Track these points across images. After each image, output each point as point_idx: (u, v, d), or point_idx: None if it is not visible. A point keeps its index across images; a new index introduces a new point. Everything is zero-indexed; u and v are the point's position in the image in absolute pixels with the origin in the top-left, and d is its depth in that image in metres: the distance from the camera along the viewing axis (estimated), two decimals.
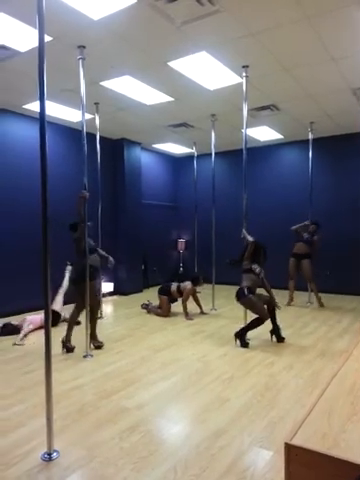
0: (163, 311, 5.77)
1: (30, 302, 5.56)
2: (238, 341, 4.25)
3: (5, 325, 4.83)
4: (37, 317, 4.96)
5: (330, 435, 1.40)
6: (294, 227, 6.37)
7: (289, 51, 3.94)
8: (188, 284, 5.73)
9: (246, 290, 4.22)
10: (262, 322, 4.22)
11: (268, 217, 7.96)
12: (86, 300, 4.00)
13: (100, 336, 4.31)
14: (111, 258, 4.76)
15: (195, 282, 5.73)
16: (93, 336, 4.21)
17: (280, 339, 4.37)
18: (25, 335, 4.62)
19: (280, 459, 1.89)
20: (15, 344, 4.38)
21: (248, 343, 4.24)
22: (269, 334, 4.40)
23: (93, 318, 4.23)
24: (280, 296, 6.39)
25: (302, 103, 5.51)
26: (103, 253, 4.71)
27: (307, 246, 6.23)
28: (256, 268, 4.30)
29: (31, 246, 5.71)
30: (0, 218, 5.65)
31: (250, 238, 4.42)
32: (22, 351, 4.13)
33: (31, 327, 4.81)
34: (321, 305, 6.18)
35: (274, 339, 4.38)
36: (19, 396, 3.01)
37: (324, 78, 4.62)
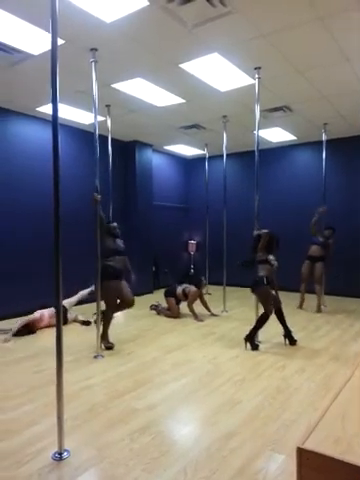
0: (173, 312, 5.77)
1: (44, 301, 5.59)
2: (248, 344, 4.22)
3: (22, 327, 4.80)
4: (45, 312, 5.11)
5: (344, 439, 1.38)
6: (313, 220, 6.14)
7: (302, 52, 3.91)
8: (193, 287, 5.77)
9: (265, 279, 4.16)
10: (267, 318, 4.18)
11: (280, 219, 7.89)
12: (107, 300, 4.18)
13: (111, 337, 4.32)
14: (134, 275, 4.72)
15: (198, 285, 5.77)
16: (104, 337, 4.21)
17: (292, 341, 4.33)
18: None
19: (292, 463, 1.86)
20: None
21: (258, 345, 4.21)
22: (282, 338, 4.36)
23: (107, 319, 4.23)
24: (291, 298, 6.35)
25: (315, 104, 5.46)
26: (128, 266, 4.55)
27: (322, 249, 6.14)
28: (272, 259, 4.25)
29: (45, 246, 5.77)
30: (14, 219, 5.73)
31: (264, 230, 4.37)
32: (33, 350, 4.16)
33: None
34: (319, 310, 6.02)
35: (287, 342, 4.34)
36: (30, 395, 3.04)
37: (338, 79, 4.57)
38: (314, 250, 6.17)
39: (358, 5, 3.11)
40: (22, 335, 4.71)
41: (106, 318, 4.23)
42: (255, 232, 4.43)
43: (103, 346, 4.15)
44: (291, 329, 4.37)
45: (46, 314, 5.09)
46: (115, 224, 4.38)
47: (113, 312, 4.29)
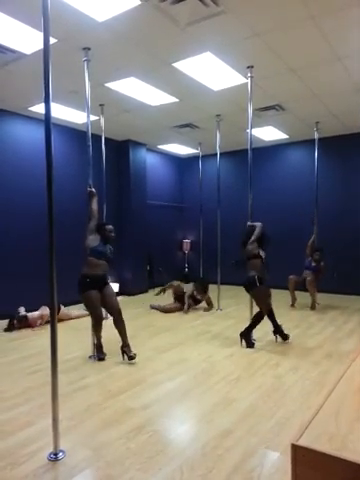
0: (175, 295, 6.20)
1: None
2: (244, 341, 4.23)
3: (19, 318, 5.05)
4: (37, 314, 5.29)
5: (338, 436, 1.39)
6: (310, 241, 6.32)
7: (294, 51, 3.93)
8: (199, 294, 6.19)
9: (256, 279, 4.12)
10: (262, 317, 4.20)
11: (274, 217, 7.91)
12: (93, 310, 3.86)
13: (104, 336, 4.25)
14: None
15: (205, 290, 6.17)
16: (98, 348, 3.94)
17: (285, 337, 4.34)
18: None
19: (287, 460, 1.88)
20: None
21: (254, 343, 4.23)
22: (273, 335, 4.38)
23: (96, 329, 3.92)
24: (282, 296, 6.37)
25: (307, 103, 5.49)
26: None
27: (314, 273, 6.15)
28: (263, 254, 4.23)
29: (39, 246, 5.74)
30: (7, 219, 5.69)
31: (258, 223, 4.35)
32: (28, 351, 4.14)
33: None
34: (313, 308, 6.08)
35: (279, 339, 4.36)
36: (25, 396, 3.03)
37: (330, 78, 4.60)
38: (307, 274, 6.18)
39: (350, 4, 3.13)
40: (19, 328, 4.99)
41: (95, 328, 3.91)
42: (248, 223, 4.44)
43: (126, 356, 3.78)
44: (281, 325, 4.38)
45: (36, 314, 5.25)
46: (111, 227, 4.01)
47: (100, 321, 3.90)
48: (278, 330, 4.35)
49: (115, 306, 3.85)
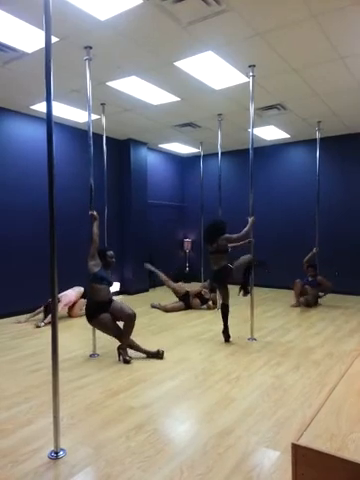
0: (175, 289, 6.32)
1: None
2: (242, 291, 4.52)
3: (47, 305, 5.22)
4: (72, 293, 5.55)
5: (338, 436, 1.39)
6: (306, 259, 6.43)
7: (296, 50, 3.92)
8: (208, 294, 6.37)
9: (230, 266, 4.35)
10: (251, 266, 4.45)
11: (275, 216, 7.93)
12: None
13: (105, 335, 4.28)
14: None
15: (213, 290, 6.30)
16: (137, 348, 3.94)
17: (227, 338, 4.45)
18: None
19: (287, 459, 1.88)
20: (38, 326, 5.04)
21: (248, 293, 4.51)
22: (276, 335, 4.37)
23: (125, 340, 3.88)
24: (283, 295, 6.37)
25: (309, 102, 5.48)
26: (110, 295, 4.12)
27: (314, 287, 6.26)
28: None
29: (41, 245, 5.75)
30: (9, 218, 5.70)
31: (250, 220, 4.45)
32: (29, 350, 4.15)
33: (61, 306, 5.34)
34: (309, 305, 6.21)
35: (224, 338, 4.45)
36: (26, 394, 3.03)
37: (332, 77, 4.58)
38: (308, 289, 6.24)
39: (352, 3, 3.12)
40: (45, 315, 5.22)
41: (124, 340, 3.85)
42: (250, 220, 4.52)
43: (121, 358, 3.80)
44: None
45: (68, 294, 5.55)
46: (112, 252, 4.04)
47: (120, 335, 3.86)
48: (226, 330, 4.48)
49: (125, 313, 3.81)
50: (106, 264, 3.97)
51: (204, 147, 7.65)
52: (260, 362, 3.72)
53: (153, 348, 3.94)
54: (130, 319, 3.81)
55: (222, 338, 4.47)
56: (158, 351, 3.86)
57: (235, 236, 4.34)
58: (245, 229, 4.35)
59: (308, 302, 6.14)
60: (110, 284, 3.98)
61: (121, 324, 3.89)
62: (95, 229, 3.86)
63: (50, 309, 5.22)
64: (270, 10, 3.20)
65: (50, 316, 5.11)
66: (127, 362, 3.72)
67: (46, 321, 5.07)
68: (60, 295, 5.49)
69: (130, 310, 3.83)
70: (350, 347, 4.12)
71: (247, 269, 4.43)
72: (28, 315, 5.46)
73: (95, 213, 3.89)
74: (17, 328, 5.06)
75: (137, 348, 3.90)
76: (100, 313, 3.81)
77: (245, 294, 4.53)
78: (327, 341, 4.38)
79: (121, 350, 3.79)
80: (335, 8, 3.18)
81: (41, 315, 5.32)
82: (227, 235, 4.34)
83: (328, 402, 1.64)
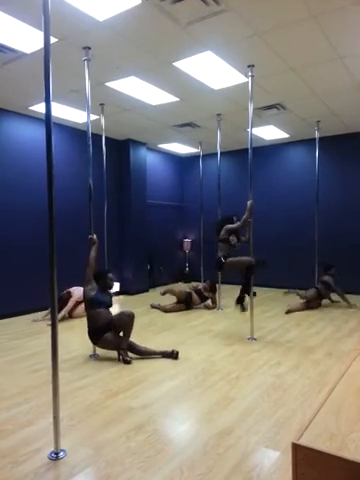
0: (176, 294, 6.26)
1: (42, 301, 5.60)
2: (240, 306, 4.47)
3: (61, 296, 5.33)
4: (80, 290, 5.50)
5: (338, 435, 1.39)
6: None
7: (295, 50, 3.92)
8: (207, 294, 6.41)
9: (223, 258, 4.43)
10: (252, 268, 4.40)
11: (274, 216, 7.93)
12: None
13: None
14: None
15: (213, 290, 6.39)
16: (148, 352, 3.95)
17: (242, 300, 4.50)
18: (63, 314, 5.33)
19: (287, 459, 1.88)
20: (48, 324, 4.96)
21: (246, 308, 4.48)
22: (277, 334, 4.38)
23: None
24: (282, 295, 6.36)
25: (308, 102, 5.48)
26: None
27: (326, 288, 6.17)
28: (233, 239, 4.53)
29: (41, 245, 5.75)
30: (8, 219, 5.69)
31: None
32: (29, 350, 4.15)
33: (70, 305, 5.48)
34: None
35: (240, 308, 4.51)
36: (26, 395, 3.03)
37: (331, 77, 4.59)
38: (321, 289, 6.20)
39: (351, 3, 3.12)
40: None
41: (124, 341, 3.82)
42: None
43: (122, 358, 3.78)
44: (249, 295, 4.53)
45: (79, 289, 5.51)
46: (111, 275, 4.03)
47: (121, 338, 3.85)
48: (243, 295, 4.51)
49: (124, 320, 3.78)
50: (105, 286, 3.95)
51: (203, 147, 7.65)
52: (260, 362, 3.72)
53: (153, 347, 3.94)
54: (130, 319, 3.80)
55: (222, 338, 4.47)
56: (173, 351, 3.84)
57: (235, 225, 4.54)
58: (243, 217, 4.48)
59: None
60: (109, 306, 3.95)
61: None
62: (93, 253, 3.84)
63: (63, 302, 5.38)
64: (269, 10, 3.20)
65: (64, 310, 5.40)
66: (127, 362, 3.71)
67: (60, 316, 5.19)
68: (72, 289, 5.62)
69: (128, 313, 3.81)
70: (349, 347, 4.13)
71: (248, 271, 4.43)
72: (44, 313, 5.53)
73: (94, 237, 3.88)
74: (15, 329, 5.05)
75: (148, 353, 3.87)
76: (104, 334, 3.79)
77: (242, 309, 4.49)
78: (326, 341, 4.38)
79: (121, 351, 3.79)
80: (334, 8, 3.18)
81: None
82: (228, 225, 4.57)
83: (328, 402, 1.65)
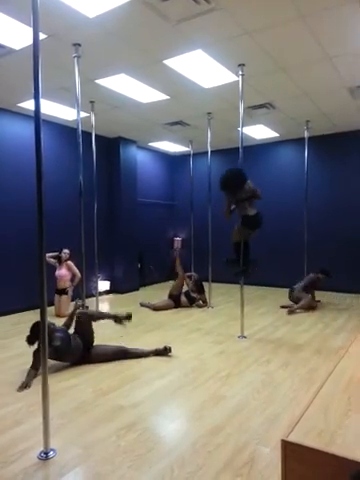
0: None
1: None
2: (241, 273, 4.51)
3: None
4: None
5: (327, 432, 1.41)
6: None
7: (285, 50, 3.94)
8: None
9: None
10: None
11: (264, 214, 7.95)
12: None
13: (98, 333, 4.23)
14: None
15: (201, 292, 6.28)
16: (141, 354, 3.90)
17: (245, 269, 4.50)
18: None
19: (277, 456, 1.89)
20: None
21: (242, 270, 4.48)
22: (267, 332, 4.40)
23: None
24: (270, 293, 6.40)
25: (298, 102, 5.52)
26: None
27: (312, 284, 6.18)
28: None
29: (28, 245, 5.70)
30: None
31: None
32: (19, 349, 4.11)
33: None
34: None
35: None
36: (15, 394, 3.01)
37: (320, 76, 4.62)
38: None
39: (340, 4, 3.15)
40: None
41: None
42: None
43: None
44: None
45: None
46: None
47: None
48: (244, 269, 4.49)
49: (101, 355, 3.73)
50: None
51: (194, 146, 7.65)
52: (250, 359, 3.74)
53: (142, 346, 3.94)
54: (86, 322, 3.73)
55: (212, 336, 4.48)
56: (165, 348, 3.86)
57: (258, 192, 4.66)
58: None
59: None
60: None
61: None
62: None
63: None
64: (259, 9, 3.22)
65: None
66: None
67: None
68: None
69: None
70: (338, 344, 4.18)
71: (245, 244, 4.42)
72: None
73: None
74: (2, 328, 5.00)
75: (142, 355, 3.83)
76: (88, 353, 3.68)
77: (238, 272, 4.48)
78: (315, 338, 4.43)
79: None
80: (323, 8, 3.21)
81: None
82: (252, 185, 4.59)
83: (317, 399, 1.67)
